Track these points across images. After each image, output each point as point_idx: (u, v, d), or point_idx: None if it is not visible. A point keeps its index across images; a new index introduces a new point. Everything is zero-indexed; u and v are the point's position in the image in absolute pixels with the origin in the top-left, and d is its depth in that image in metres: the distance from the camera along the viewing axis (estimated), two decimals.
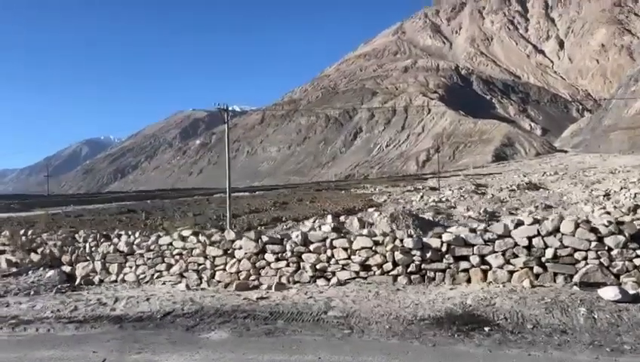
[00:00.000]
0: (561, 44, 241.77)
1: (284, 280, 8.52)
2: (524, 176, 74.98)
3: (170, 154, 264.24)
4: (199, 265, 9.17)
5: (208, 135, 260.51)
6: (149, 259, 9.49)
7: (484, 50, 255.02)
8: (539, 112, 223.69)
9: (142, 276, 9.47)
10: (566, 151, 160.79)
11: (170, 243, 9.42)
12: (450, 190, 45.29)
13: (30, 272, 10.24)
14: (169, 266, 9.37)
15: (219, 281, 8.94)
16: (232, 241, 9.01)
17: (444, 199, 36.46)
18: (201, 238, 9.16)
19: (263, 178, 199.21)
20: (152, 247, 9.50)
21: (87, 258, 10.05)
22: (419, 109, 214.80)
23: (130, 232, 10.30)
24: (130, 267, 9.65)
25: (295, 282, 8.47)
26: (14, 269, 10.45)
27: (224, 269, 8.95)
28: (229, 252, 8.98)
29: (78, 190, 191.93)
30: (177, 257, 9.32)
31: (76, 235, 10.44)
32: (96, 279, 9.80)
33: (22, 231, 11.28)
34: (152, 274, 9.41)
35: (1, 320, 7.42)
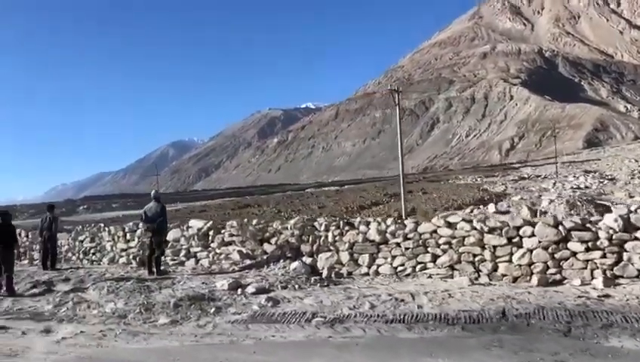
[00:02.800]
0: None
1: (596, 274, 7.23)
2: (637, 161, 68.98)
3: (249, 153, 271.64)
4: (474, 255, 8.10)
5: (285, 133, 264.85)
6: (407, 248, 8.57)
7: (570, 29, 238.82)
8: (635, 93, 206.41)
9: (400, 268, 8.57)
10: None
11: (434, 231, 8.43)
12: (575, 177, 42.00)
13: (272, 264, 9.69)
14: (434, 257, 8.38)
15: (504, 275, 7.81)
16: (518, 228, 7.84)
17: (582, 186, 33.68)
18: (477, 225, 8.07)
19: (338, 173, 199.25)
20: (410, 236, 8.57)
21: (331, 248, 9.32)
22: (500, 96, 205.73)
23: (379, 219, 9.47)
24: (385, 258, 8.78)
25: (616, 276, 7.15)
26: (248, 261, 9.94)
27: (509, 261, 7.81)
28: (513, 240, 7.83)
29: (167, 190, 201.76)
30: (445, 247, 8.32)
31: (315, 223, 9.77)
32: (344, 271, 9.03)
33: (254, 221, 10.79)
34: (414, 266, 8.48)
35: (304, 317, 6.70)
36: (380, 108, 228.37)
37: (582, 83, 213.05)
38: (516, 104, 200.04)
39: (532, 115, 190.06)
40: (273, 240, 10.10)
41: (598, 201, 19.78)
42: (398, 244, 8.75)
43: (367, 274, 8.89)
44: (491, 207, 20.35)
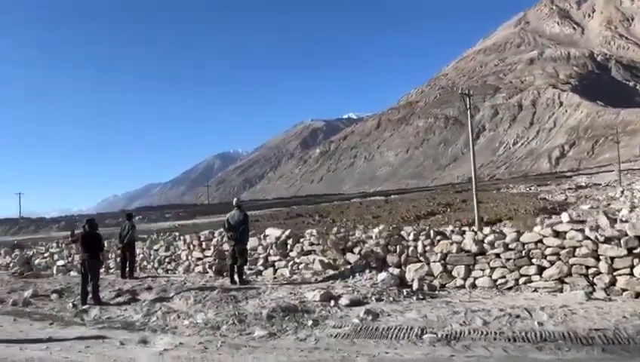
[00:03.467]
0: None
1: None
2: None
3: (292, 164, 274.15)
4: (587, 268, 7.45)
5: (327, 143, 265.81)
6: (508, 260, 8.00)
7: (624, 32, 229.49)
8: None
9: (501, 281, 7.99)
10: None
11: (540, 241, 7.83)
12: None
13: (357, 274, 9.31)
14: (540, 269, 7.77)
15: (623, 289, 7.11)
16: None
17: None
18: (590, 234, 7.42)
19: (381, 183, 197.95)
20: (511, 246, 8.00)
21: (420, 258, 8.86)
22: (549, 103, 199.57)
23: (473, 229, 8.96)
24: (482, 270, 8.23)
25: None
26: (331, 271, 9.60)
27: (630, 274, 7.12)
28: (634, 251, 7.13)
29: (213, 200, 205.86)
30: (552, 258, 7.69)
31: (402, 233, 9.34)
32: (436, 283, 8.53)
33: (334, 230, 10.47)
34: (516, 279, 7.88)
35: (411, 332, 6.25)
36: (422, 117, 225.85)
37: (637, 87, 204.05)
38: (566, 110, 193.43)
39: (583, 121, 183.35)
40: (356, 250, 9.71)
41: None
42: (497, 255, 8.16)
43: (463, 286, 8.34)
44: (565, 216, 19.23)
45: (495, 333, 6.03)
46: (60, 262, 14.12)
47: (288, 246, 10.69)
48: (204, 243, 11.97)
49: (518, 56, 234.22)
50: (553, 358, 5.16)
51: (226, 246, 11.60)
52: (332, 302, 7.73)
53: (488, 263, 8.19)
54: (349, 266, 9.64)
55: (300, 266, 10.37)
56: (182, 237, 12.59)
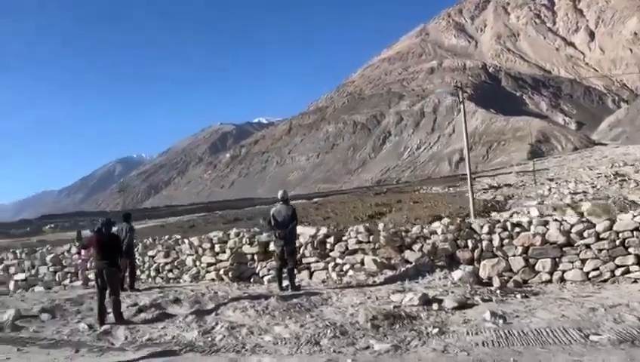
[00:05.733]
0: (592, 35, 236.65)
1: None
2: (590, 169, 72.01)
3: (201, 169, 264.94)
4: None
5: (237, 148, 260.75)
6: (601, 250, 7.61)
7: (511, 46, 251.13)
8: (572, 106, 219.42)
9: (593, 273, 7.58)
10: (605, 144, 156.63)
11: (636, 229, 7.50)
12: (557, 184, 43.04)
13: (427, 274, 8.43)
14: (639, 259, 7.46)
15: None
16: None
17: (579, 191, 34.29)
18: None
19: (293, 187, 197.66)
20: (603, 235, 7.62)
21: (496, 253, 8.21)
22: (448, 110, 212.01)
23: (560, 218, 8.42)
24: (571, 262, 7.77)
25: None
26: (389, 272, 8.66)
27: None
28: None
29: (114, 208, 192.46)
30: None
31: (473, 226, 8.61)
32: (517, 279, 7.94)
33: (384, 226, 9.48)
34: (612, 270, 7.51)
35: (565, 334, 5.54)
36: (332, 122, 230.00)
37: (523, 97, 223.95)
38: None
39: (479, 127, 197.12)
40: (416, 247, 8.85)
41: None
42: (587, 246, 7.76)
43: (550, 281, 7.84)
44: (534, 211, 19.91)
45: None
46: (19, 276, 11.67)
47: (328, 246, 9.55)
48: (217, 246, 10.42)
49: (420, 65, 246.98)
50: None
51: (246, 249, 10.20)
52: (435, 306, 6.83)
53: (578, 255, 7.75)
54: (409, 265, 8.75)
55: (344, 268, 9.29)
56: (186, 241, 10.87)
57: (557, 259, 7.90)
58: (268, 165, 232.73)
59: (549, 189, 35.34)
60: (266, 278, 9.79)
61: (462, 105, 23.99)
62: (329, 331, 6.29)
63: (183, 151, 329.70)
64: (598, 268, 7.68)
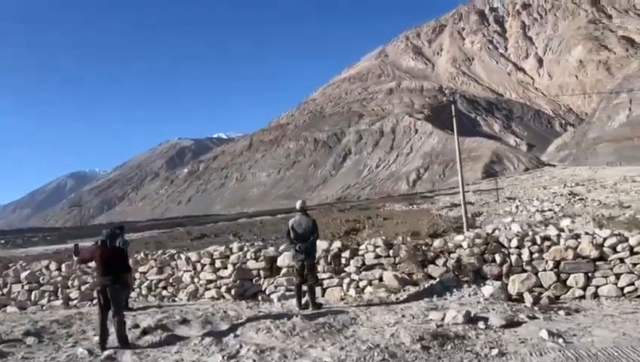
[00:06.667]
0: (540, 62, 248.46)
1: None
2: (545, 189, 74.49)
3: (157, 184, 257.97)
4: None
5: (196, 163, 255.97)
6: (635, 264, 7.39)
7: (466, 69, 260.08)
8: (523, 128, 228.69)
9: (629, 288, 7.35)
10: (554, 165, 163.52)
11: None
12: (526, 201, 44.09)
13: (455, 290, 7.98)
14: None
15: None
16: None
17: (545, 209, 35.14)
18: None
19: (253, 203, 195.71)
20: (637, 249, 7.41)
21: (526, 268, 7.88)
22: (406, 130, 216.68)
23: (588, 231, 8.17)
24: (605, 277, 7.52)
25: None
26: (412, 288, 8.19)
27: None
28: None
29: (65, 224, 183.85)
30: None
31: (500, 239, 8.24)
32: (549, 295, 7.62)
33: (399, 238, 8.98)
34: None
35: None
36: (293, 139, 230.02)
37: (477, 119, 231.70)
38: (421, 137, 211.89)
39: (435, 147, 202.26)
40: (440, 262, 8.41)
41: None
42: (621, 260, 7.55)
43: (583, 297, 7.56)
44: (515, 226, 20.04)
45: None
46: None
47: (343, 261, 8.97)
48: (217, 262, 9.63)
49: (379, 85, 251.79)
50: None
51: (251, 264, 9.48)
52: (481, 324, 6.36)
53: (611, 269, 7.51)
54: (432, 281, 8.29)
55: (361, 284, 8.73)
56: (182, 256, 10.01)
57: (590, 274, 7.66)
58: (227, 181, 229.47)
59: (517, 207, 36.03)
60: (274, 296, 9.08)
61: (454, 119, 23.96)
62: (375, 354, 5.71)
63: (139, 165, 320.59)
64: (633, 283, 7.48)
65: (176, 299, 9.68)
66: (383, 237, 9.51)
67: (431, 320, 6.71)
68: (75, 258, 7.63)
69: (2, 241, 41.85)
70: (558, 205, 34.79)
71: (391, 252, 8.67)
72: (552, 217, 27.28)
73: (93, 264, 7.72)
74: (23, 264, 11.12)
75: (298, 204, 8.42)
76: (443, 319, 6.60)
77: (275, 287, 9.20)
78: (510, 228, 20.83)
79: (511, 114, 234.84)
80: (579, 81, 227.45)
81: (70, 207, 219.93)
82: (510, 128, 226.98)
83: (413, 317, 6.94)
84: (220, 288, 9.48)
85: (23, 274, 10.43)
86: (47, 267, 10.49)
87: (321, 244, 9.18)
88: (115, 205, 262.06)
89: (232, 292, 9.35)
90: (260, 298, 9.09)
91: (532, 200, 41.99)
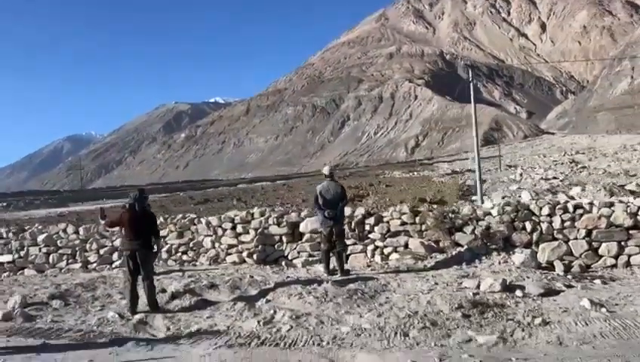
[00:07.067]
0: (543, 27, 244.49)
1: None
2: (544, 157, 74.60)
3: (154, 149, 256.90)
4: None
5: (193, 128, 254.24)
6: None
7: (468, 34, 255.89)
8: (523, 95, 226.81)
9: None
10: (553, 133, 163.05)
11: None
12: (528, 169, 44.03)
13: (484, 257, 7.91)
14: None
15: None
16: None
17: (549, 177, 35.10)
18: None
19: (251, 169, 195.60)
20: None
21: (557, 236, 7.80)
22: (405, 96, 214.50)
23: (622, 199, 8.06)
24: (638, 246, 7.46)
25: None
26: (439, 255, 8.12)
27: None
28: None
29: (62, 187, 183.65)
30: None
31: (530, 207, 8.12)
32: (581, 263, 7.57)
33: (425, 206, 8.86)
34: None
35: None
36: (291, 105, 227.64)
37: (478, 85, 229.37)
38: (420, 104, 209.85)
39: (435, 114, 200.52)
40: (468, 229, 8.31)
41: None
42: None
43: (614, 266, 7.51)
44: (525, 194, 20.04)
45: None
46: (6, 258, 10.35)
47: (367, 227, 8.86)
48: (239, 227, 9.51)
49: (379, 50, 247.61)
50: None
51: (273, 230, 9.37)
52: (518, 292, 6.30)
53: None
54: (460, 248, 8.21)
55: (385, 251, 8.65)
56: (203, 220, 9.89)
57: (622, 243, 7.59)
58: (225, 146, 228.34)
59: (520, 175, 35.96)
60: (297, 261, 9.02)
61: (471, 85, 23.53)
62: (416, 321, 5.64)
63: (136, 129, 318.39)
64: None
65: (197, 263, 9.61)
66: (407, 204, 9.38)
67: (466, 287, 6.64)
68: (102, 221, 7.47)
69: (4, 204, 41.75)
70: (562, 173, 34.72)
71: (417, 219, 8.56)
72: (558, 185, 27.18)
73: (117, 228, 7.57)
74: (40, 227, 10.99)
75: (327, 170, 8.25)
76: (478, 287, 6.53)
77: (298, 253, 9.11)
78: (520, 196, 20.85)
79: (512, 80, 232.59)
80: (582, 47, 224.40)
81: (68, 170, 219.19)
82: (510, 95, 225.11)
83: (447, 285, 6.88)
84: (241, 253, 9.40)
85: (40, 237, 10.31)
86: (64, 230, 10.37)
87: (344, 211, 9.05)
88: (112, 169, 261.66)
89: (254, 257, 9.27)
90: (283, 263, 9.02)
91: (534, 168, 41.93)
